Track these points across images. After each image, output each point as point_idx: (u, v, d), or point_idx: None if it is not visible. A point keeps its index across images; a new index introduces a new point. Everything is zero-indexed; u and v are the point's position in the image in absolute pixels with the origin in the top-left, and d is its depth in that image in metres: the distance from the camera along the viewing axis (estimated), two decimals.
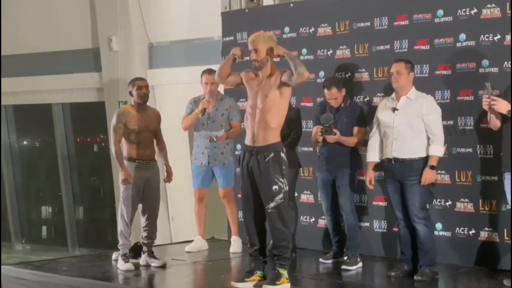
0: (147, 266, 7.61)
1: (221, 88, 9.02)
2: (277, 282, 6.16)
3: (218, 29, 9.54)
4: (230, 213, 8.50)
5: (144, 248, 7.72)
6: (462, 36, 7.37)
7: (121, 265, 7.50)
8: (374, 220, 7.98)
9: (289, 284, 6.23)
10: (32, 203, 14.57)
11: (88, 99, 12.25)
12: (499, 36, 7.13)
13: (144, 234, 7.67)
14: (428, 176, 6.69)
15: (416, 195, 6.72)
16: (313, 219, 8.49)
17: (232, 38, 9.26)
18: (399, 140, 6.80)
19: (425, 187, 6.74)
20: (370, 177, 7.10)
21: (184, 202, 10.56)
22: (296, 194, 8.14)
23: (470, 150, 7.32)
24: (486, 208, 7.23)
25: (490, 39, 7.20)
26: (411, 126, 6.77)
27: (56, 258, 8.87)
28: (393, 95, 6.99)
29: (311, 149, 8.27)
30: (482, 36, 7.24)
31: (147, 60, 11.08)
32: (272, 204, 6.21)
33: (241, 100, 9.08)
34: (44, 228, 14.53)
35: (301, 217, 8.40)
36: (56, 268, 7.68)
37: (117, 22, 11.17)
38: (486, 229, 7.24)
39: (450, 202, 7.45)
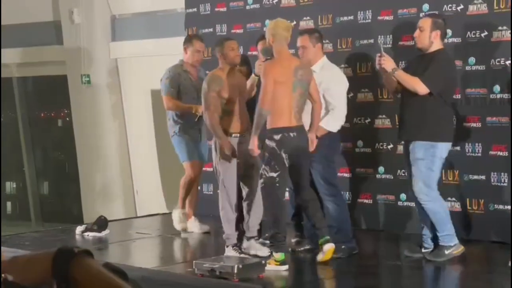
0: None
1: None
2: (267, 262, 6.12)
3: (181, 0, 9.45)
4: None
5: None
6: (448, 32, 7.17)
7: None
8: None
9: (279, 266, 6.13)
10: None
11: (50, 73, 12.11)
12: (486, 33, 7.00)
13: (246, 218, 6.62)
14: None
15: (318, 171, 6.57)
16: None
17: (195, 9, 9.18)
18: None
19: (326, 162, 6.60)
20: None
21: (149, 176, 10.52)
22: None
23: (458, 148, 7.19)
24: (474, 207, 7.17)
25: (477, 36, 7.07)
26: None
27: (19, 233, 8.79)
28: None
29: None
30: (468, 32, 7.11)
31: (110, 32, 10.96)
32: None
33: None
34: (8, 203, 14.38)
35: None
36: (19, 243, 7.61)
37: None
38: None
39: None
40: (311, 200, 6.35)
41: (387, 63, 6.35)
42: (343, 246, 6.50)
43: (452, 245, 6.33)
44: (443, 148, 6.34)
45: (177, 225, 7.82)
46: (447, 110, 6.40)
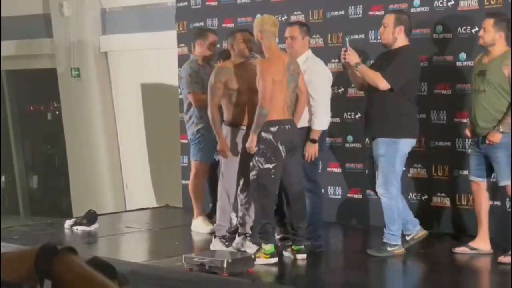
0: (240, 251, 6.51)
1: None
2: (256, 255, 6.13)
3: None
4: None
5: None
6: (439, 27, 7.24)
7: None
8: (329, 187, 8.00)
9: (268, 259, 6.16)
10: None
11: (40, 66, 12.06)
12: (476, 29, 6.92)
13: (240, 213, 6.58)
14: (309, 150, 6.53)
15: (302, 166, 6.51)
16: None
17: (186, 3, 9.14)
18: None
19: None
20: None
21: (138, 170, 10.50)
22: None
23: (448, 143, 7.22)
24: (463, 203, 7.15)
25: (468, 32, 7.06)
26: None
27: (7, 227, 8.76)
28: None
29: None
30: (459, 28, 7.10)
31: (100, 25, 10.91)
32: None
33: None
34: None
35: None
36: (7, 236, 7.58)
37: None
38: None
39: (426, 196, 7.42)
40: (299, 203, 6.33)
41: (351, 57, 6.41)
42: (308, 243, 6.47)
43: (394, 244, 6.40)
44: (406, 144, 6.41)
45: (205, 230, 7.52)
46: (410, 106, 6.45)
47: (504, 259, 6.07)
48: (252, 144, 6.16)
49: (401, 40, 6.41)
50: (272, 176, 6.18)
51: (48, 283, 1.57)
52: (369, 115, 6.54)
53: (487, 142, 6.16)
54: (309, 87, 6.50)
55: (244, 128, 6.43)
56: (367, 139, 7.66)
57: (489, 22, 6.22)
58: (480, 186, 6.36)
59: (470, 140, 6.60)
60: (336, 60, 7.85)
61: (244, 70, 6.47)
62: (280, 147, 6.16)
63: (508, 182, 6.16)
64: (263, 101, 6.10)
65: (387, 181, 6.35)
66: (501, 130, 6.09)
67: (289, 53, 6.57)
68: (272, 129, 6.15)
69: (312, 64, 6.65)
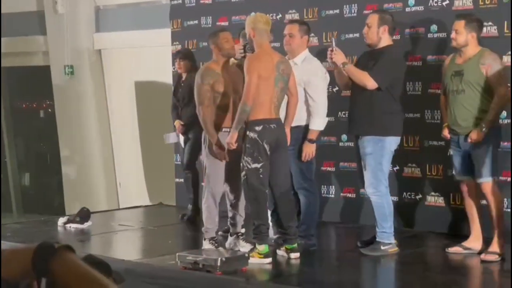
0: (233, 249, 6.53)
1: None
2: (250, 254, 6.12)
3: None
4: None
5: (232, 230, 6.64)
6: (434, 27, 7.25)
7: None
8: (322, 186, 7.99)
9: (262, 259, 6.16)
10: None
11: (33, 63, 12.03)
12: None
13: (231, 214, 6.61)
14: (307, 150, 6.56)
15: (294, 164, 6.59)
16: None
17: (180, 1, 9.13)
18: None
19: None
20: None
21: (132, 168, 10.49)
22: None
23: (442, 143, 7.22)
24: (457, 202, 7.15)
25: None
26: None
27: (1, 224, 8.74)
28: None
29: None
30: None
31: (93, 23, 10.89)
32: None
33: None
34: None
35: None
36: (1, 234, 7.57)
37: None
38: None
39: (420, 196, 7.44)
40: (286, 202, 6.33)
41: (337, 57, 6.45)
42: (302, 242, 6.48)
43: (388, 243, 6.43)
44: (392, 142, 6.46)
45: None
46: (395, 105, 6.49)
47: (486, 257, 6.13)
48: (231, 139, 6.15)
49: (385, 40, 6.46)
50: (261, 175, 6.17)
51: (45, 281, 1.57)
52: (354, 114, 6.56)
53: (469, 140, 6.18)
54: (308, 88, 6.53)
55: (228, 130, 6.30)
56: None
57: (460, 24, 6.27)
58: (469, 185, 6.37)
59: (450, 141, 6.59)
60: None
61: (227, 71, 6.43)
62: (266, 146, 6.16)
63: (485, 180, 6.19)
64: (245, 97, 6.08)
65: (376, 179, 6.39)
66: (484, 129, 6.11)
67: (286, 51, 6.61)
68: (257, 128, 6.15)
69: (309, 65, 6.67)
